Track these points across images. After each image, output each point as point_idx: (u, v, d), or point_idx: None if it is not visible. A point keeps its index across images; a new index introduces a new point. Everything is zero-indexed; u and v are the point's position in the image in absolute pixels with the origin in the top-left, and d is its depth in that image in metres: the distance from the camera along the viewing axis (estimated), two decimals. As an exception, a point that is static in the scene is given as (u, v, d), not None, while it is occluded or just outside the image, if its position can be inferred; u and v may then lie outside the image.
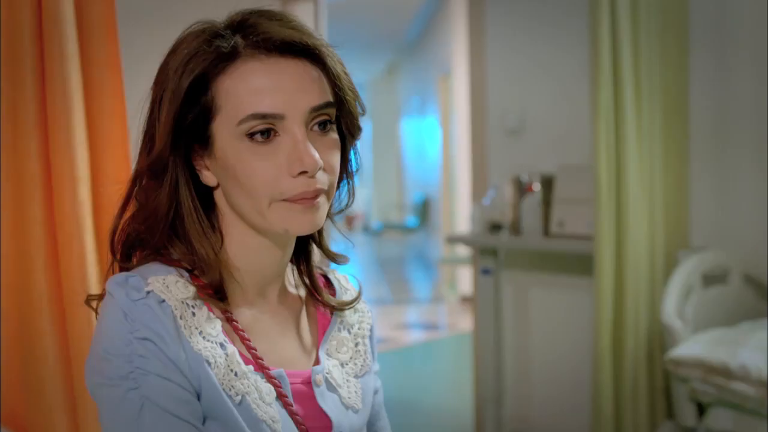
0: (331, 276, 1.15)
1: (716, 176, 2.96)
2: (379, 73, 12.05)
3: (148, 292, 0.92)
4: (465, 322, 6.19)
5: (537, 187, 3.29)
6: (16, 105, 1.49)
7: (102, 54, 1.54)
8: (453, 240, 4.41)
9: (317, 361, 1.06)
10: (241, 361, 0.96)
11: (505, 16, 3.66)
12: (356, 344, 1.12)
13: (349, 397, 1.06)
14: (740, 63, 2.88)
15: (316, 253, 1.12)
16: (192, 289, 0.95)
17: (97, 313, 0.98)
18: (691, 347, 2.47)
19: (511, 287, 3.62)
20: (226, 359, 0.94)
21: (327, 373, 1.05)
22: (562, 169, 3.27)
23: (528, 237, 3.30)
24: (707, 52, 2.94)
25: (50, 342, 1.52)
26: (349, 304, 1.12)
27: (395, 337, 5.95)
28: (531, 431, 3.59)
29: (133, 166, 1.54)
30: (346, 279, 1.18)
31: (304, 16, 2.18)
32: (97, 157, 1.56)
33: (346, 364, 1.09)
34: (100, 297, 0.98)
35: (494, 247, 3.50)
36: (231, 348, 0.95)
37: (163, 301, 0.92)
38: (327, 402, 1.03)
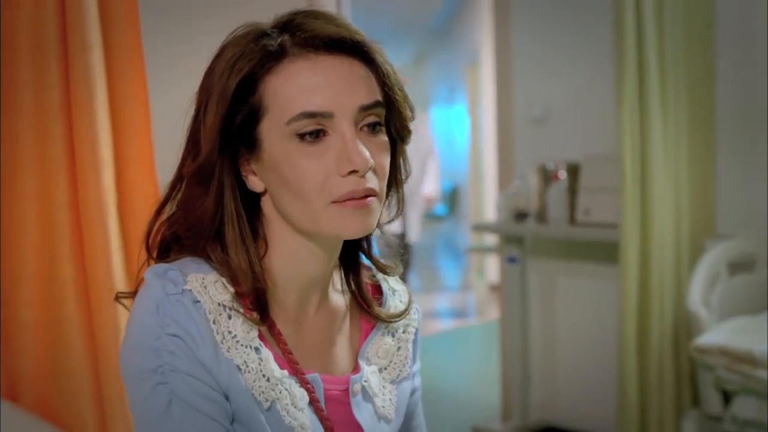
0: (383, 285, 1.11)
1: (742, 164, 2.95)
2: (407, 62, 12.02)
3: (184, 290, 0.91)
4: (494, 310, 6.19)
5: (563, 175, 3.29)
6: (41, 92, 1.51)
7: (124, 41, 1.57)
8: (479, 228, 4.42)
9: (356, 368, 1.04)
10: (275, 365, 0.95)
11: (531, 7, 3.65)
12: (398, 348, 1.09)
13: (383, 407, 1.05)
14: None
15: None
16: (231, 291, 0.93)
17: (128, 309, 0.98)
18: (715, 335, 2.47)
19: (537, 275, 3.62)
20: (259, 364, 0.93)
21: (365, 382, 1.03)
22: (587, 159, 3.27)
23: (554, 225, 3.31)
24: (735, 42, 2.92)
25: (76, 329, 1.54)
26: (398, 316, 1.09)
27: (424, 325, 5.93)
28: (557, 418, 3.60)
29: (155, 151, 1.58)
30: (398, 287, 1.13)
31: (327, 4, 2.20)
32: (120, 142, 1.58)
33: (384, 369, 1.07)
34: (131, 294, 0.98)
35: (520, 236, 3.50)
36: (266, 352, 0.94)
37: (198, 301, 0.91)
38: (362, 412, 1.02)
